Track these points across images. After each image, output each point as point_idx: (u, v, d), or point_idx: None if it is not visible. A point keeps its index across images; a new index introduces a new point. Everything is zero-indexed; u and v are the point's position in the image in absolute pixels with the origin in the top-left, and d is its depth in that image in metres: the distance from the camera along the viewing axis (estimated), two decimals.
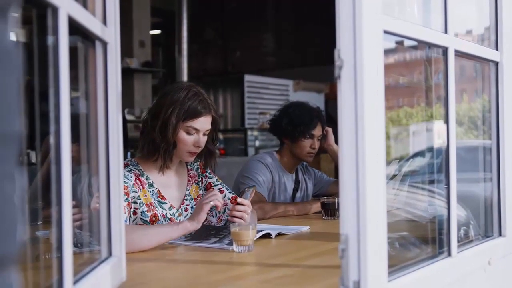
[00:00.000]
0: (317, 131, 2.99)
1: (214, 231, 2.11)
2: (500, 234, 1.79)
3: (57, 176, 0.99)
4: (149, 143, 2.17)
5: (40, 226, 1.45)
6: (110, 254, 1.35)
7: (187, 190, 2.31)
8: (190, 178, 2.35)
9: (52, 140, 0.99)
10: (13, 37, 0.60)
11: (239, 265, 1.72)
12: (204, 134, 2.19)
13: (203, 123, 2.17)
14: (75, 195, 1.06)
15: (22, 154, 0.62)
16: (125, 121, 5.00)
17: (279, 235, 2.15)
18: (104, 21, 1.33)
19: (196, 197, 2.33)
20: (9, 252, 0.55)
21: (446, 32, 1.50)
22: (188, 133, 2.15)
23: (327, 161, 6.49)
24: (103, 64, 1.34)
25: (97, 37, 1.28)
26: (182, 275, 1.63)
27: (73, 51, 1.07)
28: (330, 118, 5.69)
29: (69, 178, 1.00)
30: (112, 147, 1.35)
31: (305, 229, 2.33)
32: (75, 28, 1.09)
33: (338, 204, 2.62)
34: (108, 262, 1.31)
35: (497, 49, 1.78)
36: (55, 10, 0.98)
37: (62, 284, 0.98)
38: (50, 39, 1.00)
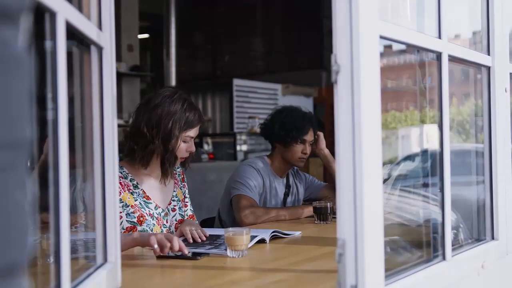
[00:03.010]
0: (309, 137, 3.00)
1: (209, 241, 2.09)
2: (492, 238, 1.80)
3: (55, 181, 0.98)
4: (149, 154, 2.22)
5: (33, 231, 1.44)
6: (105, 260, 1.34)
7: (174, 191, 2.39)
8: (176, 181, 2.43)
9: (50, 145, 0.98)
10: (23, 43, 0.60)
11: (233, 270, 1.72)
12: (194, 140, 2.32)
13: (197, 130, 2.30)
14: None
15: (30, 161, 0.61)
16: None
17: (273, 238, 2.15)
18: (100, 26, 1.33)
19: (181, 199, 2.41)
20: (20, 260, 0.55)
21: (439, 37, 1.51)
22: (185, 141, 2.26)
23: (315, 165, 6.50)
24: (98, 69, 1.33)
25: (93, 42, 1.27)
26: (177, 281, 1.62)
27: (67, 56, 1.06)
28: (318, 122, 5.69)
29: (66, 184, 1.00)
30: (107, 152, 1.34)
31: (298, 234, 2.33)
32: (70, 32, 1.09)
33: (330, 208, 2.62)
34: (104, 268, 1.30)
35: (489, 54, 1.80)
36: (53, 15, 0.97)
37: None
38: (47, 44, 0.99)
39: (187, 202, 2.47)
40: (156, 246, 1.77)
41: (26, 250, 0.57)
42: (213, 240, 2.09)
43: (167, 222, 2.30)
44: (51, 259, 1.10)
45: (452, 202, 1.54)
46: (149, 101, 2.25)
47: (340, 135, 1.16)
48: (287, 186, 3.13)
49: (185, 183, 2.49)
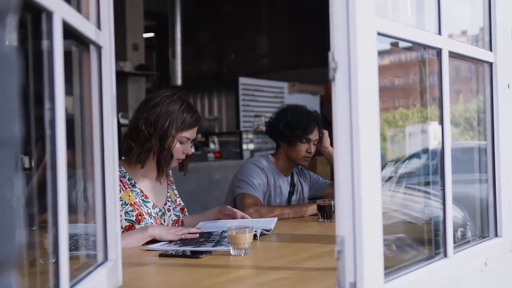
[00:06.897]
0: (314, 136, 2.99)
1: (202, 239, 2.09)
2: (496, 235, 1.79)
3: (53, 181, 0.98)
4: (146, 151, 2.25)
5: (36, 231, 1.45)
6: (106, 258, 1.35)
7: (168, 192, 2.44)
8: (169, 183, 2.48)
9: (47, 144, 0.99)
10: (11, 42, 0.60)
11: (236, 268, 1.72)
12: (191, 142, 2.35)
13: (194, 132, 2.34)
14: (70, 201, 1.06)
15: (19, 159, 0.62)
16: (119, 125, 5.02)
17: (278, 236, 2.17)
18: (98, 25, 1.33)
19: (173, 201, 2.46)
20: (8, 256, 0.56)
21: (440, 33, 1.50)
22: (181, 142, 2.30)
23: (322, 163, 6.49)
24: (97, 68, 1.33)
25: (92, 41, 1.28)
26: (178, 279, 1.62)
27: (67, 55, 1.06)
28: (325, 120, 5.68)
29: (64, 183, 1.00)
30: (107, 152, 1.35)
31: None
32: (69, 32, 1.09)
33: (334, 206, 2.62)
34: (104, 266, 1.31)
35: (491, 50, 1.79)
36: (49, 14, 0.98)
37: None
38: (44, 43, 0.99)
39: (180, 200, 2.52)
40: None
41: (14, 246, 0.57)
42: (208, 238, 2.09)
43: (164, 221, 2.33)
44: (51, 259, 1.10)
45: (459, 199, 1.54)
46: (149, 100, 2.30)
47: (338, 132, 1.16)
48: (292, 184, 3.12)
49: (174, 186, 2.53)
